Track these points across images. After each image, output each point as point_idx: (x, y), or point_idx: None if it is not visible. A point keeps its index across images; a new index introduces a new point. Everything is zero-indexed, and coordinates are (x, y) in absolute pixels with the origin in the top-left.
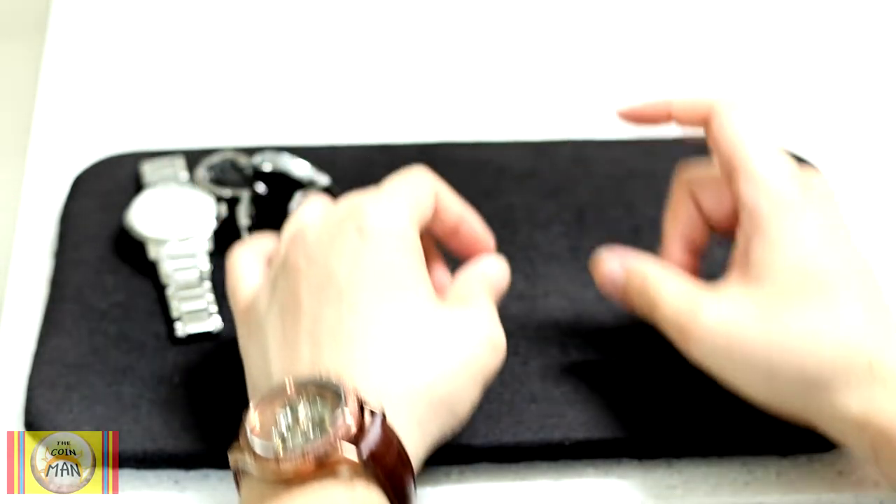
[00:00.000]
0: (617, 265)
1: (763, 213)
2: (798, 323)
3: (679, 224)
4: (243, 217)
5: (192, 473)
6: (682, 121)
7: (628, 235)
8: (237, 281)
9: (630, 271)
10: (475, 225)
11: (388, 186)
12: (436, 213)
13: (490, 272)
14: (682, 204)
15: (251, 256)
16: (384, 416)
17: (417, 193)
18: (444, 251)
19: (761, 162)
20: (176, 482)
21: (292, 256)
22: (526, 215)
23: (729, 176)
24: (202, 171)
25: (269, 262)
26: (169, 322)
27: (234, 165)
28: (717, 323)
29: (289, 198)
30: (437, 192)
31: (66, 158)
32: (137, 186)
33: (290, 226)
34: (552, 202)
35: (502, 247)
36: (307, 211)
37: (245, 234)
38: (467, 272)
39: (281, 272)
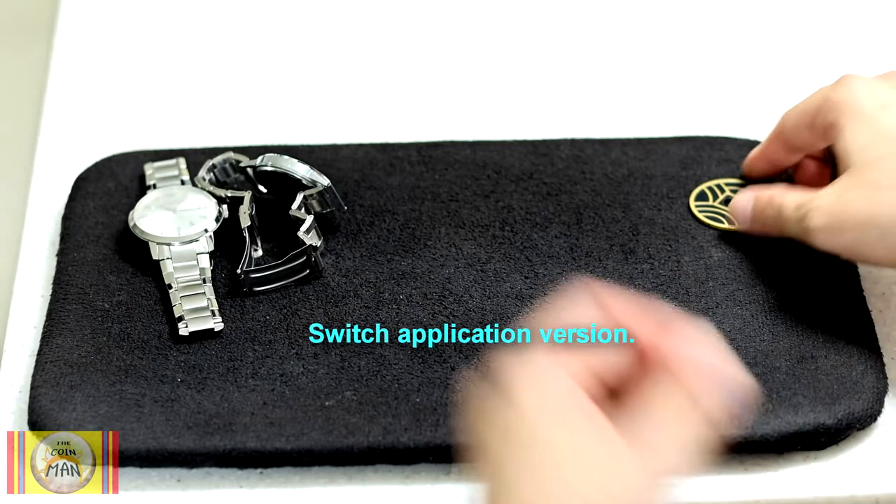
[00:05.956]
0: (746, 195)
1: (862, 110)
2: None
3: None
4: (244, 217)
5: (195, 472)
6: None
7: (627, 235)
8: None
9: (757, 196)
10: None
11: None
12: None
13: (705, 400)
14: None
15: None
16: None
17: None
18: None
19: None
20: (178, 480)
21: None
22: (525, 215)
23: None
24: (203, 172)
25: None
26: (171, 321)
27: (235, 166)
28: (830, 202)
29: (290, 198)
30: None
31: (71, 158)
32: (139, 186)
33: None
34: (551, 202)
35: (502, 247)
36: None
37: (246, 235)
38: (666, 395)
39: None
